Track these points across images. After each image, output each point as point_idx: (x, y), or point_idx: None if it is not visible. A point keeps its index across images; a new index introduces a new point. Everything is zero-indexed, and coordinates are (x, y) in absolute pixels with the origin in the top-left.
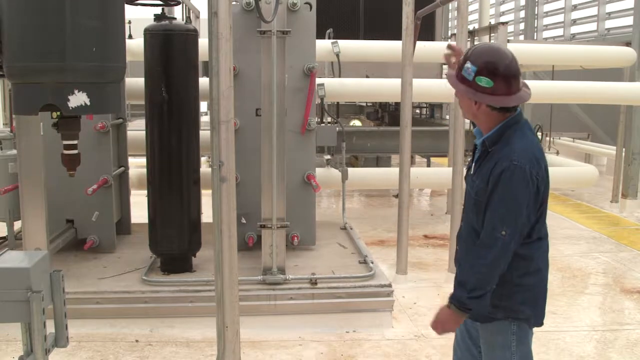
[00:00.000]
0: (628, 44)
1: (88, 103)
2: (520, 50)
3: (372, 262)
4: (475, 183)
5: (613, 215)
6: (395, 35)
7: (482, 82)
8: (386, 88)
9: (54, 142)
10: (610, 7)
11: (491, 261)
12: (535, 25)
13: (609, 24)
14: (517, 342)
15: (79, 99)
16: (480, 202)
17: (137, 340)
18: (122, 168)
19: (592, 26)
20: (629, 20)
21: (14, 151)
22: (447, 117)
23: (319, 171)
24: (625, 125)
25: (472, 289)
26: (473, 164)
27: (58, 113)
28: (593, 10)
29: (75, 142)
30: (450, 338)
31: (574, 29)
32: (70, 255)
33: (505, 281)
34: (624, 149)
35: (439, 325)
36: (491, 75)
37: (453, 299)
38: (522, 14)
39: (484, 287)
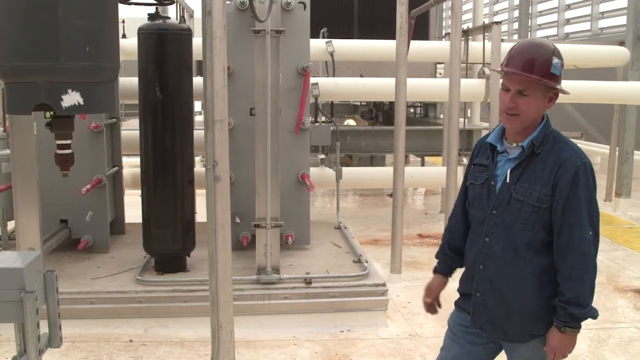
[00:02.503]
0: (621, 44)
1: (81, 102)
2: None
3: (367, 262)
4: (535, 189)
5: (607, 214)
6: (389, 34)
7: (559, 72)
8: (380, 87)
9: (47, 142)
10: (603, 7)
11: (594, 265)
12: (529, 24)
13: (602, 23)
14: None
15: (72, 98)
16: (543, 208)
17: (131, 340)
18: (116, 168)
19: (586, 25)
20: (622, 20)
21: (7, 151)
22: (441, 116)
23: (313, 170)
24: (618, 124)
25: (588, 300)
26: (508, 172)
27: (51, 112)
28: (586, 10)
29: (68, 141)
30: (443, 337)
31: (568, 29)
32: (64, 255)
33: (551, 295)
34: (617, 148)
35: (559, 353)
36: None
37: (570, 322)
38: (516, 13)
39: (594, 293)
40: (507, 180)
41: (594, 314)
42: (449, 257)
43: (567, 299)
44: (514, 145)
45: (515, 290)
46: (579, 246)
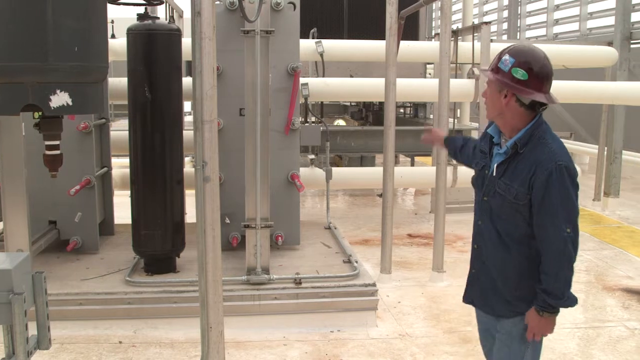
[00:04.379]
0: (610, 44)
1: (70, 103)
2: None
3: (357, 262)
4: (513, 186)
5: (595, 214)
6: (379, 35)
7: (518, 74)
8: (370, 88)
9: (36, 143)
10: (592, 7)
11: (569, 261)
12: (518, 25)
13: (591, 23)
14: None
15: (60, 99)
16: (521, 205)
17: (120, 342)
18: (105, 168)
19: (575, 26)
20: (610, 20)
21: None
22: (431, 116)
23: (303, 171)
24: (607, 124)
25: (563, 292)
26: (495, 166)
27: (40, 113)
28: (575, 10)
29: (57, 142)
30: (433, 337)
31: (557, 29)
32: (53, 256)
33: (532, 279)
34: (606, 148)
35: (538, 333)
36: (527, 69)
37: (545, 307)
38: (505, 13)
39: (570, 285)
40: (494, 174)
41: (570, 303)
42: (451, 145)
43: (544, 289)
44: (503, 141)
45: (501, 272)
46: (554, 244)
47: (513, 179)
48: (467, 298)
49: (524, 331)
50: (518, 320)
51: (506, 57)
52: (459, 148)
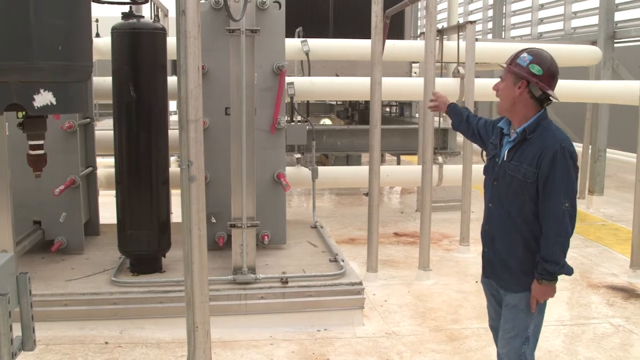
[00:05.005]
0: (594, 43)
1: (54, 102)
2: (489, 48)
3: (343, 261)
4: (522, 167)
5: (580, 212)
6: (365, 34)
7: (535, 69)
8: (356, 87)
9: (19, 142)
10: (576, 7)
11: (566, 231)
12: (503, 24)
13: (575, 23)
14: (538, 310)
15: (44, 98)
16: (529, 183)
17: (106, 342)
18: (90, 168)
19: (559, 25)
20: (594, 20)
21: None
22: (417, 115)
23: (289, 170)
24: (591, 122)
25: (559, 259)
26: (505, 152)
27: (23, 113)
28: (559, 10)
29: (41, 142)
30: (419, 335)
31: (541, 28)
32: (38, 257)
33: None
34: (590, 146)
35: (541, 298)
36: (542, 66)
37: (545, 275)
38: (490, 12)
39: (566, 253)
40: (505, 159)
41: (567, 271)
42: (455, 118)
43: (543, 256)
44: (512, 131)
45: (509, 250)
46: (554, 213)
47: (522, 161)
48: (486, 274)
49: (529, 306)
50: (524, 295)
51: (524, 55)
52: (463, 122)
